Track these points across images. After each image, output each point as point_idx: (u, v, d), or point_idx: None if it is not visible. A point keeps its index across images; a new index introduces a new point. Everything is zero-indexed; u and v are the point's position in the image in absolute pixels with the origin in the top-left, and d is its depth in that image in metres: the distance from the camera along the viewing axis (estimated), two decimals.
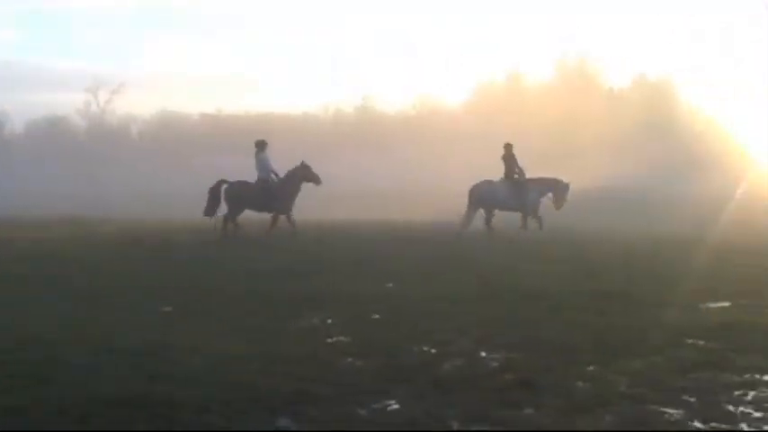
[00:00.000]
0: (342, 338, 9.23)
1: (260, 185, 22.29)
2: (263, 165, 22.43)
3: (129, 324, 9.85)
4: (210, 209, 22.29)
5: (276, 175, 22.43)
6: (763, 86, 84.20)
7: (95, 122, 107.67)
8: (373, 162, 79.00)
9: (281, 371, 7.67)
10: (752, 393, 7.03)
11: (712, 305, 11.29)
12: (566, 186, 23.26)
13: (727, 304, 11.33)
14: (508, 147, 23.52)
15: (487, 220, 22.96)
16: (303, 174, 22.50)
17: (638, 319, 10.12)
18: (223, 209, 22.54)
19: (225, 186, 22.38)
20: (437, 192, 39.78)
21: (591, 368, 7.77)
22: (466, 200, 23.28)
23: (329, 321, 10.24)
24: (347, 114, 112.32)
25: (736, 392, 7.04)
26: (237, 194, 22.20)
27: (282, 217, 22.34)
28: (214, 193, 22.30)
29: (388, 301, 11.52)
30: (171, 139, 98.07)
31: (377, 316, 10.52)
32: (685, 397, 6.88)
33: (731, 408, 6.63)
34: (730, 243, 19.65)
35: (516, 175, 23.18)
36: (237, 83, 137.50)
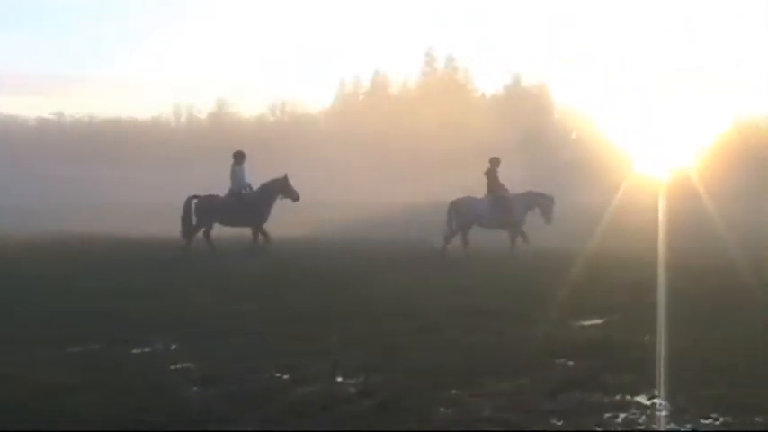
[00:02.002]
0: (188, 365, 9.06)
1: (232, 199, 22.25)
2: (237, 177, 22.37)
3: None
4: (187, 229, 22.07)
5: (250, 188, 22.37)
6: (639, 89, 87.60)
7: None
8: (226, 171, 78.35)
9: (118, 402, 7.47)
10: (622, 415, 7.23)
11: (584, 322, 11.62)
12: (551, 200, 23.47)
13: (599, 321, 11.67)
14: (494, 161, 23.68)
15: (463, 236, 22.98)
16: (280, 187, 22.49)
17: (509, 337, 10.30)
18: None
19: (195, 201, 22.27)
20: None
21: (455, 391, 7.85)
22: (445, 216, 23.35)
23: (173, 347, 10.04)
24: (200, 120, 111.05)
25: (606, 414, 7.23)
26: (208, 208, 22.15)
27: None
28: (186, 212, 22.12)
29: (240, 322, 11.38)
30: (6, 145, 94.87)
31: (227, 339, 10.36)
32: (553, 420, 7.02)
33: (601, 431, 6.79)
34: (606, 255, 20.23)
35: (501, 192, 23.35)
36: (78, 84, 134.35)
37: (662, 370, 8.45)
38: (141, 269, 17.99)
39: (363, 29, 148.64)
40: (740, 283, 15.14)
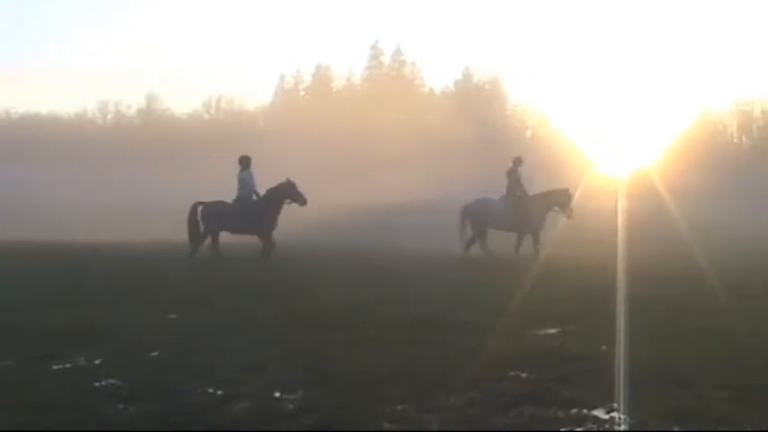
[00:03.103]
0: (112, 381, 8.91)
1: (239, 205, 22.59)
2: (244, 183, 22.70)
3: None
4: (195, 237, 22.40)
5: (257, 194, 22.69)
6: (596, 85, 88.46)
7: None
8: (161, 174, 77.94)
9: (37, 421, 7.35)
10: (579, 430, 7.23)
11: (538, 331, 11.65)
12: (568, 194, 23.44)
13: (553, 330, 11.71)
14: (517, 161, 23.63)
15: (481, 241, 22.86)
16: (287, 192, 22.72)
17: (457, 348, 10.26)
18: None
19: (201, 207, 22.63)
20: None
21: (400, 406, 7.80)
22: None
23: (97, 362, 9.88)
24: (128, 117, 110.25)
25: (562, 429, 7.23)
26: (214, 215, 22.53)
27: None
28: (192, 219, 22.46)
29: (168, 335, 11.25)
30: None
31: (155, 353, 10.24)
32: None
33: None
34: (561, 261, 20.38)
35: (518, 193, 23.30)
36: None
37: (621, 382, 8.47)
38: (64, 277, 17.78)
39: (305, 20, 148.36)
40: (703, 287, 15.32)
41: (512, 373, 9.08)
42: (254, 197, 22.69)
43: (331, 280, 17.48)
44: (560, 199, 23.28)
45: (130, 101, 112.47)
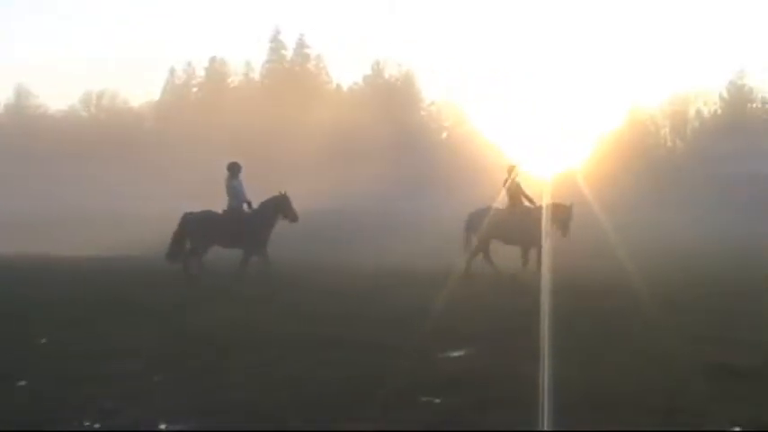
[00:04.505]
0: None
1: (229, 216, 22.19)
2: (236, 192, 22.29)
3: None
4: (176, 249, 21.97)
5: (250, 205, 22.29)
6: (521, 81, 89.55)
7: None
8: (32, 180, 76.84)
9: None
10: None
11: (451, 352, 11.68)
12: (569, 209, 23.34)
13: (468, 351, 11.76)
14: (511, 169, 23.41)
15: (486, 253, 22.68)
16: (280, 205, 22.48)
17: (362, 371, 10.28)
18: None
19: (189, 219, 22.21)
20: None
21: None
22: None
23: None
24: None
25: None
26: (202, 227, 22.10)
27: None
28: (180, 230, 22.08)
29: (38, 361, 11.08)
30: None
31: (22, 382, 10.06)
32: None
33: None
34: (476, 274, 20.52)
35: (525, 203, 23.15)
36: None
37: (544, 406, 8.56)
38: None
39: (197, 7, 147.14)
40: (631, 302, 15.56)
41: (423, 399, 9.10)
42: (246, 207, 22.45)
43: (227, 296, 17.36)
44: (563, 214, 23.39)
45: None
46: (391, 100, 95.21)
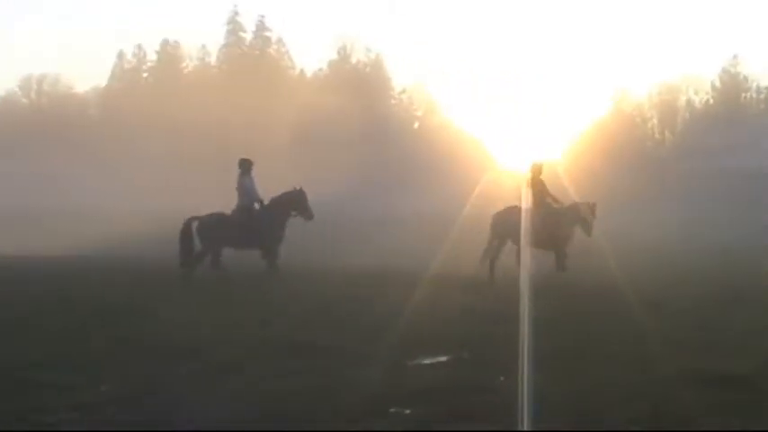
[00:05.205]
0: None
1: (239, 216, 22.36)
2: (246, 190, 22.47)
3: None
4: (186, 254, 21.96)
5: (261, 202, 22.47)
6: (499, 68, 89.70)
7: None
8: None
9: None
10: None
11: (424, 360, 11.70)
12: (594, 206, 23.30)
13: (443, 358, 11.78)
14: (536, 168, 23.23)
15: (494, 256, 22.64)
16: (295, 201, 22.68)
17: (330, 380, 10.31)
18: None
19: (195, 223, 22.25)
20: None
21: None
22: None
23: None
24: None
25: None
26: (212, 230, 22.21)
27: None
28: (185, 236, 22.06)
29: None
30: None
31: None
32: None
33: None
34: (452, 276, 20.53)
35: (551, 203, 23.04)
36: None
37: (523, 417, 8.58)
38: None
39: None
40: (615, 305, 15.62)
41: (393, 410, 9.12)
42: (257, 206, 22.54)
43: (177, 298, 17.29)
44: (586, 213, 23.37)
45: None
46: (359, 87, 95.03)
